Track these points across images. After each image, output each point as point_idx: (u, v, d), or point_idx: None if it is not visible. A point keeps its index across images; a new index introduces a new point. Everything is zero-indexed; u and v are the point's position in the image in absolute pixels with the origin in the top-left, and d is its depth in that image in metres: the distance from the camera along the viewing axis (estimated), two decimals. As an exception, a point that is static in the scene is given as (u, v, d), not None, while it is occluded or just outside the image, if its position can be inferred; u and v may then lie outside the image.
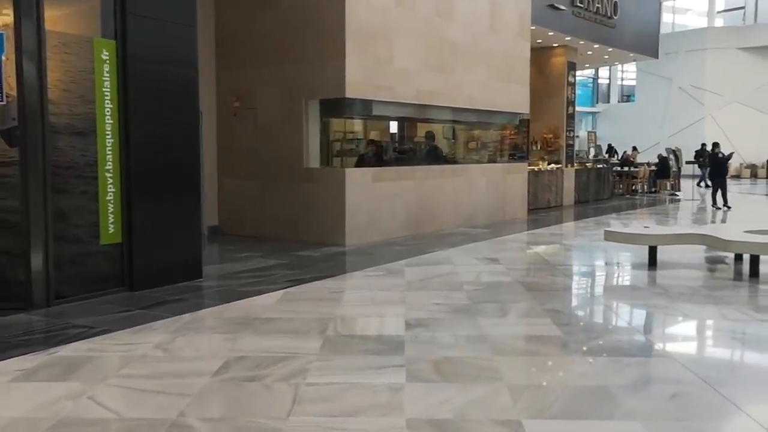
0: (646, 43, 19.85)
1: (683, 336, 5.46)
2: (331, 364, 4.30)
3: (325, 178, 9.79)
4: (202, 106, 10.21)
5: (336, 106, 9.86)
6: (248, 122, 10.46)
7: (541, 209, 15.54)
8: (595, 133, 25.85)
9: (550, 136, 17.54)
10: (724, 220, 13.76)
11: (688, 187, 21.47)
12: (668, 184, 22.28)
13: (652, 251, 8.07)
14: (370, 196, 9.94)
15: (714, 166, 16.90)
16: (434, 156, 11.91)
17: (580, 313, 6.07)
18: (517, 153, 14.54)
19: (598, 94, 40.48)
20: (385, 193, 10.21)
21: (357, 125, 10.78)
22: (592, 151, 22.52)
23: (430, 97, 11.01)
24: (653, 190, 21.94)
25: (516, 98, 13.33)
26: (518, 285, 6.91)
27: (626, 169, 21.70)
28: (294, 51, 9.90)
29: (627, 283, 7.73)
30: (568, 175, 17.20)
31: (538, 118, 17.23)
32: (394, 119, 11.50)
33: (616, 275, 8.25)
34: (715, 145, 17.28)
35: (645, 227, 9.48)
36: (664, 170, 21.91)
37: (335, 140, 10.54)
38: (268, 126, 10.26)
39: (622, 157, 22.87)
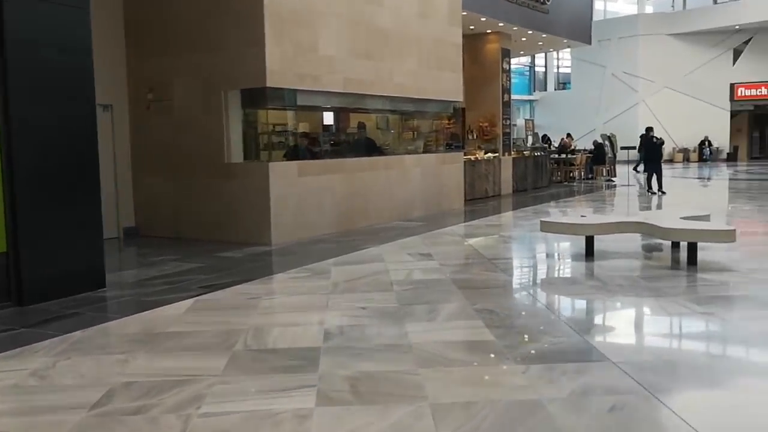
0: (579, 30, 19.82)
1: (623, 335, 5.12)
2: (233, 388, 3.78)
3: (248, 173, 9.17)
4: (112, 97, 9.50)
5: (258, 97, 9.25)
6: (164, 115, 9.73)
7: (479, 199, 15.26)
8: (532, 120, 25.81)
9: (486, 124, 17.23)
10: (659, 206, 13.71)
11: (623, 172, 21.59)
12: (604, 170, 22.45)
13: (589, 241, 7.79)
14: (297, 191, 9.38)
15: (648, 151, 16.91)
16: (366, 147, 11.42)
17: (514, 313, 5.66)
18: (453, 142, 14.20)
19: (535, 82, 40.67)
20: (313, 187, 9.67)
21: (282, 117, 10.18)
22: (530, 139, 22.48)
23: (359, 86, 10.50)
24: (590, 176, 22.04)
25: (449, 86, 12.93)
26: (451, 283, 6.49)
27: (564, 156, 21.70)
28: (210, 37, 9.23)
29: (564, 276, 7.42)
30: (505, 163, 16.96)
31: (473, 107, 16.95)
32: (322, 110, 10.95)
33: (553, 268, 7.94)
34: (649, 129, 17.28)
35: (582, 216, 9.22)
36: (600, 157, 22.05)
37: (262, 133, 9.93)
38: (186, 119, 9.56)
39: (560, 144, 22.93)
